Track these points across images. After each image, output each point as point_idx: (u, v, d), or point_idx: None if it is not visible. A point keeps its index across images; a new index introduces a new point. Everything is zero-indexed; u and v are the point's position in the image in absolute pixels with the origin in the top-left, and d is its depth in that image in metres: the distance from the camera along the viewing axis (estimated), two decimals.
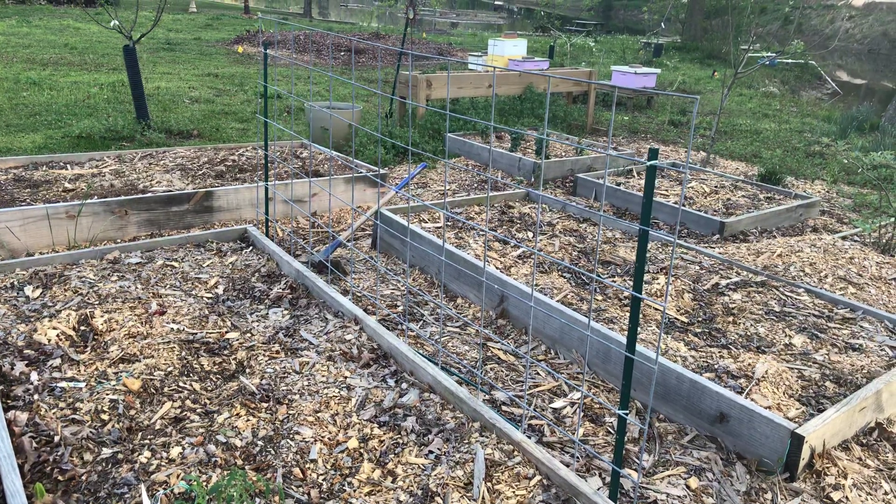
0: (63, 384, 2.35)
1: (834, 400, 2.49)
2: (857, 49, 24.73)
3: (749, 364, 2.67)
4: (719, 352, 2.82)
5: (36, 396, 2.29)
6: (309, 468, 2.05)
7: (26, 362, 2.47)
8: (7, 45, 11.36)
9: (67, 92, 8.10)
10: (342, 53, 13.15)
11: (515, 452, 2.13)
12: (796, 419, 2.36)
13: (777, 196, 5.33)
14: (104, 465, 2.02)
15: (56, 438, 2.08)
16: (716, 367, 2.68)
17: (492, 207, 4.48)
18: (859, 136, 8.59)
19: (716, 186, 5.42)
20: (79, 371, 2.45)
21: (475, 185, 5.53)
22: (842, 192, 6.10)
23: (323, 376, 2.53)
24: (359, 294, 3.38)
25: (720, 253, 4.02)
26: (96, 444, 2.09)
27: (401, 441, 2.19)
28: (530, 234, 4.06)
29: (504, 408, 2.52)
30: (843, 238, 4.55)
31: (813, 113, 10.74)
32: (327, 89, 5.64)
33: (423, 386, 2.48)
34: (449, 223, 4.10)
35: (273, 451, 2.11)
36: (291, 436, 2.18)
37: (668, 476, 2.21)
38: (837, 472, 2.21)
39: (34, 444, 2.05)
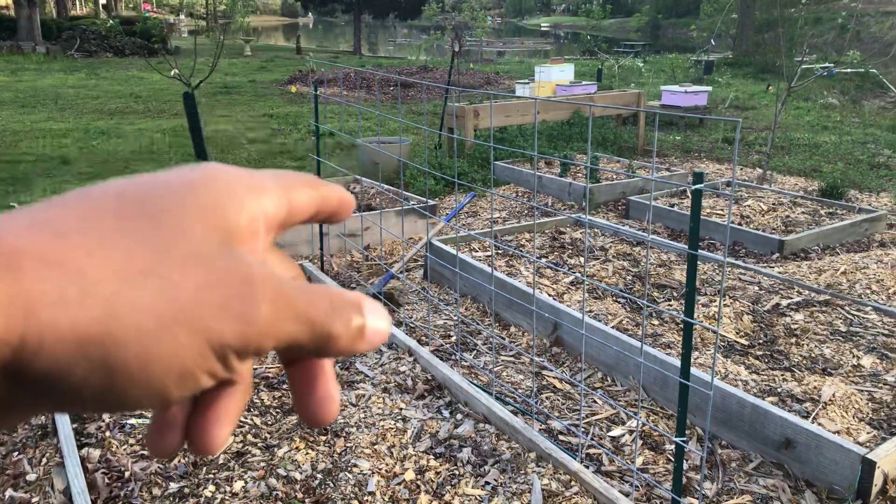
0: (132, 421, 2.45)
1: None
2: None
3: (815, 387, 2.58)
4: (782, 374, 2.73)
5: (107, 433, 2.39)
6: (367, 500, 2.07)
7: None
8: (77, 98, 12.02)
9: (133, 139, 8.51)
10: (391, 88, 13.43)
11: (573, 482, 2.11)
12: (867, 444, 2.27)
13: (839, 211, 5.15)
14: (171, 499, 2.09)
15: (126, 474, 2.17)
16: (779, 390, 2.60)
17: (542, 234, 4.48)
18: None
19: (774, 204, 5.29)
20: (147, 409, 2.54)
21: (525, 212, 5.54)
22: None
23: (379, 408, 2.56)
24: (412, 325, 3.42)
25: (780, 272, 3.91)
26: (164, 479, 2.17)
27: (457, 472, 2.20)
28: (582, 260, 4.04)
29: (560, 437, 2.50)
30: None
31: (876, 123, 10.39)
32: (377, 124, 5.78)
33: (477, 416, 2.49)
34: (500, 251, 4.12)
35: (332, 484, 2.15)
36: (349, 468, 2.21)
37: None
38: None
39: (106, 480, 2.14)
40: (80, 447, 2.30)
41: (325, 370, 0.32)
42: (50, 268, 0.23)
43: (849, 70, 14.13)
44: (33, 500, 2.10)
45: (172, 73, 6.73)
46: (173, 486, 2.13)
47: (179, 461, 2.24)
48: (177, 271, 0.25)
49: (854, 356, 2.86)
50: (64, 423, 2.36)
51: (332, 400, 0.32)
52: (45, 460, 2.28)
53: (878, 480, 2.07)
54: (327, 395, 0.32)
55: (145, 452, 2.28)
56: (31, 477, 2.20)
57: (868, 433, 2.33)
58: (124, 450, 2.29)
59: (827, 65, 12.79)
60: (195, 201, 0.27)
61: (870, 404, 2.51)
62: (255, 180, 0.30)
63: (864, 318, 3.21)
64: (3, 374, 0.23)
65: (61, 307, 0.23)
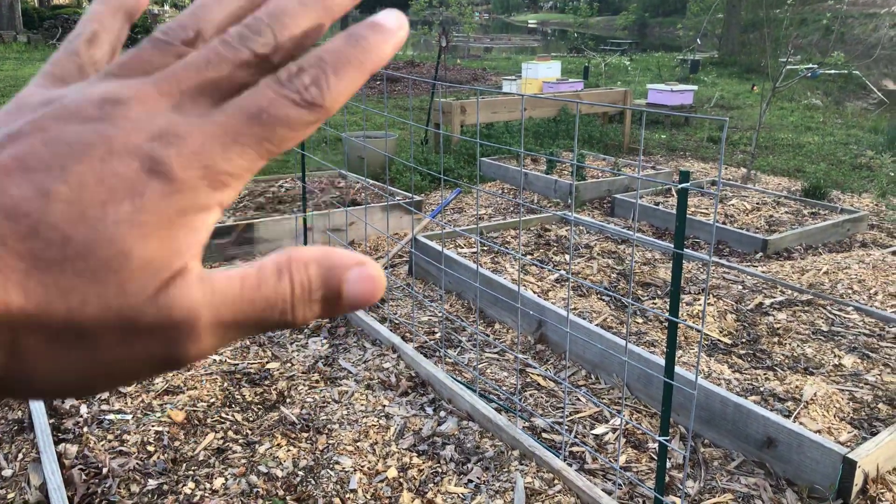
0: (111, 416, 2.42)
1: (888, 422, 2.40)
2: None
3: (797, 386, 2.59)
4: (765, 374, 2.75)
5: (85, 429, 2.35)
6: (349, 498, 2.05)
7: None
8: None
9: None
10: (377, 83, 13.37)
11: (556, 480, 2.10)
12: (848, 443, 2.28)
13: (822, 211, 5.20)
14: (150, 496, 2.06)
15: (104, 470, 2.14)
16: (761, 389, 2.61)
17: (528, 231, 4.47)
18: None
19: (757, 203, 5.32)
20: (126, 403, 2.51)
21: (511, 208, 5.53)
22: (891, 206, 5.92)
23: (362, 405, 2.54)
24: (396, 321, 3.40)
25: (763, 271, 3.93)
26: (142, 476, 2.14)
27: (440, 470, 2.19)
28: (568, 257, 4.04)
29: (544, 435, 2.50)
30: (894, 253, 4.40)
31: (858, 124, 10.49)
32: (363, 118, 5.74)
33: (461, 414, 2.48)
34: (485, 248, 4.11)
35: (314, 482, 2.13)
36: (331, 466, 2.20)
37: (715, 503, 2.15)
38: (893, 497, 2.13)
39: (83, 477, 2.11)
40: (56, 443, 2.26)
41: None
42: None
43: (832, 71, 14.26)
44: (9, 496, 2.06)
45: None
46: (152, 483, 2.10)
47: (159, 457, 2.21)
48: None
49: (835, 356, 2.88)
50: (41, 418, 2.32)
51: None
52: (21, 456, 2.24)
53: (858, 480, 2.09)
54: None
55: (123, 449, 2.24)
56: (7, 473, 2.16)
57: (849, 433, 2.35)
58: (102, 446, 2.25)
59: (811, 66, 12.90)
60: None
61: (851, 404, 2.52)
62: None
63: (845, 317, 3.23)
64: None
65: None
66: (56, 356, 0.22)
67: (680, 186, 1.60)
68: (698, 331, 3.09)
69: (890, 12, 25.35)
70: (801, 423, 2.36)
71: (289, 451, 2.26)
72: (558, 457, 2.21)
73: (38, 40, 19.59)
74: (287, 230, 4.43)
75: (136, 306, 0.23)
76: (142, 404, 2.50)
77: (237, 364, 2.81)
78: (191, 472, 2.16)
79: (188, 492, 2.07)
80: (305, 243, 3.99)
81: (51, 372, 0.23)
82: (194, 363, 0.23)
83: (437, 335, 3.27)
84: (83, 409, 2.46)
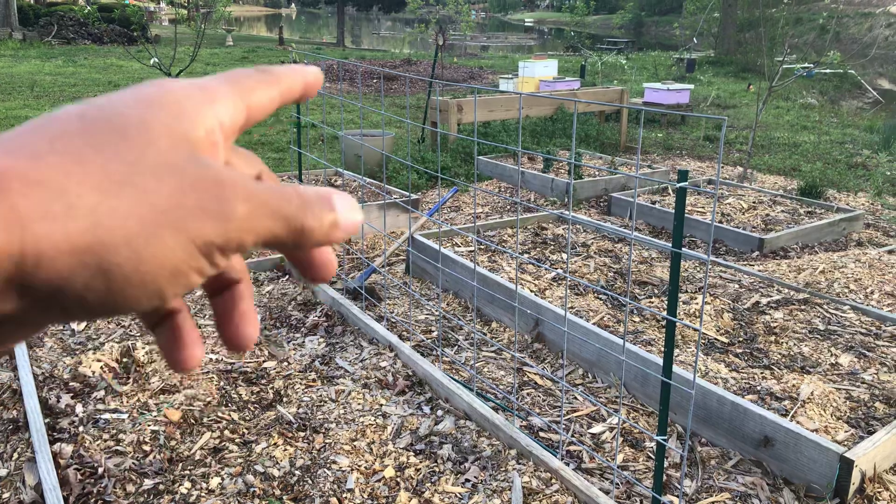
0: (107, 416, 2.41)
1: (884, 421, 2.41)
2: None
3: (793, 385, 2.60)
4: (762, 373, 2.75)
5: (81, 428, 2.34)
6: (346, 498, 2.05)
7: (71, 395, 2.54)
8: (54, 85, 11.81)
9: None
10: (374, 81, 13.35)
11: (553, 480, 2.10)
12: (845, 442, 2.28)
13: (818, 210, 5.20)
14: (146, 496, 2.05)
15: (100, 470, 2.13)
16: (758, 388, 2.61)
17: (525, 229, 4.47)
18: None
19: (754, 202, 5.33)
20: (122, 402, 2.50)
21: (508, 207, 5.53)
22: (887, 204, 5.93)
23: (359, 404, 2.54)
24: (393, 320, 3.40)
25: (760, 270, 3.94)
26: (138, 476, 2.13)
27: (437, 469, 2.18)
28: (565, 256, 4.03)
29: (541, 434, 2.50)
30: (890, 252, 4.41)
31: (854, 123, 10.51)
32: (360, 117, 5.73)
33: (458, 413, 2.47)
34: (482, 247, 4.11)
35: (310, 481, 2.12)
36: (328, 465, 2.19)
37: (713, 502, 2.15)
38: (890, 496, 2.13)
39: (79, 476, 2.10)
40: (52, 442, 2.25)
41: (244, 297, 0.34)
42: (33, 187, 0.24)
43: (828, 70, 14.28)
44: (4, 495, 2.05)
45: (152, 61, 6.62)
46: (148, 483, 2.09)
47: (155, 457, 2.20)
48: (151, 180, 0.26)
49: (832, 354, 2.88)
50: (36, 417, 2.31)
51: (249, 323, 0.33)
52: (16, 455, 2.23)
53: (855, 479, 2.09)
54: (245, 319, 0.33)
55: (119, 448, 2.24)
56: (2, 472, 2.15)
57: (846, 432, 2.35)
58: (98, 445, 2.24)
59: (807, 65, 12.92)
60: (155, 117, 0.28)
61: (847, 403, 2.53)
62: (207, 92, 0.31)
63: (842, 316, 3.24)
64: (11, 287, 0.24)
65: (52, 220, 0.24)
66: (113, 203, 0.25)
67: (678, 185, 1.59)
68: (696, 330, 3.09)
69: (885, 12, 25.42)
70: (798, 423, 2.36)
71: (285, 450, 2.26)
72: (556, 456, 2.21)
73: (34, 37, 19.50)
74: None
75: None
76: (137, 403, 2.49)
77: (234, 363, 2.80)
78: (187, 472, 2.15)
79: (184, 491, 2.06)
80: None
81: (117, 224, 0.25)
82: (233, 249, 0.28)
83: (435, 334, 3.27)
84: (78, 408, 2.44)
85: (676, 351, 2.89)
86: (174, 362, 0.32)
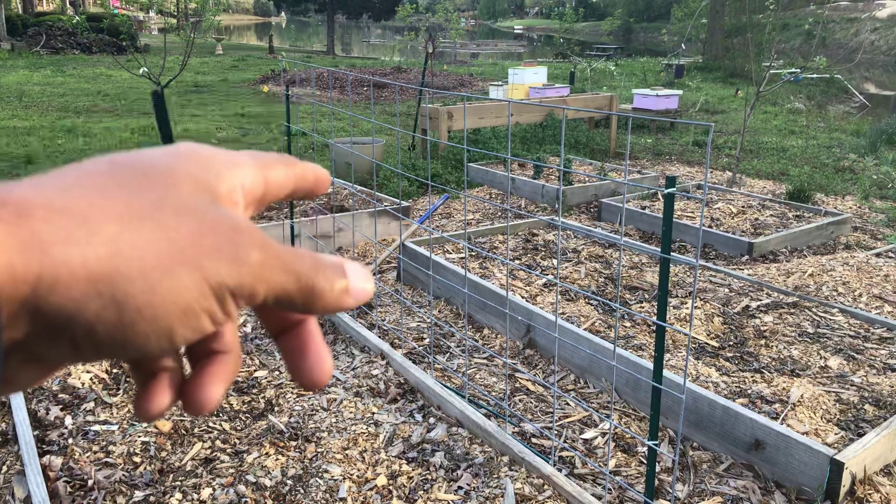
0: (96, 427, 2.39)
1: (874, 423, 2.42)
2: (884, 61, 24.43)
3: (784, 388, 2.61)
4: (752, 376, 2.76)
5: (70, 440, 2.32)
6: None
7: (61, 406, 2.52)
8: (42, 95, 11.76)
9: (100, 138, 8.35)
10: (364, 89, 13.37)
11: (546, 486, 2.10)
12: (835, 445, 2.29)
13: (806, 214, 5.24)
14: None
15: (90, 482, 2.11)
16: (749, 392, 2.62)
17: (516, 235, 4.48)
18: (890, 148, 8.45)
19: (743, 206, 5.36)
20: (111, 414, 2.48)
21: (499, 213, 5.54)
22: (874, 207, 5.98)
23: (350, 413, 2.53)
24: (385, 328, 3.39)
25: (749, 274, 3.96)
26: (129, 487, 2.11)
27: (430, 477, 2.18)
28: (555, 262, 4.04)
29: (533, 440, 2.50)
30: (878, 255, 4.45)
31: (841, 127, 10.60)
32: (350, 125, 5.74)
33: (450, 420, 2.47)
34: (473, 253, 4.11)
35: (302, 490, 2.11)
36: (320, 474, 2.18)
37: None
38: (881, 498, 2.14)
39: (68, 489, 2.08)
40: (41, 454, 2.23)
41: (313, 334, 0.34)
42: (57, 214, 0.25)
43: (815, 75, 14.40)
44: None
45: (141, 71, 6.61)
46: (138, 495, 2.08)
47: (145, 468, 2.19)
48: (172, 218, 0.27)
49: (821, 357, 2.90)
50: (25, 430, 2.29)
51: (324, 360, 0.33)
52: (4, 468, 2.21)
53: (846, 481, 2.10)
54: (319, 356, 0.33)
55: (109, 460, 2.22)
56: None
57: (836, 434, 2.36)
58: (87, 457, 2.23)
59: (794, 70, 13.02)
60: (181, 166, 0.29)
61: (837, 405, 2.54)
62: (231, 156, 0.32)
63: (830, 319, 3.26)
64: (23, 310, 0.24)
65: (72, 245, 0.24)
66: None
67: (666, 191, 1.61)
68: (686, 334, 3.11)
69: (871, 17, 25.68)
70: (788, 426, 2.37)
71: (277, 459, 2.25)
72: (548, 462, 2.21)
73: (22, 47, 19.43)
74: (274, 237, 4.41)
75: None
76: (128, 414, 2.47)
77: None
78: (178, 483, 2.14)
79: (175, 503, 2.05)
80: None
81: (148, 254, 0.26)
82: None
83: (426, 341, 3.26)
84: (68, 419, 2.43)
85: (667, 355, 2.90)
86: (187, 402, 0.32)
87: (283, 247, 0.30)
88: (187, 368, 0.33)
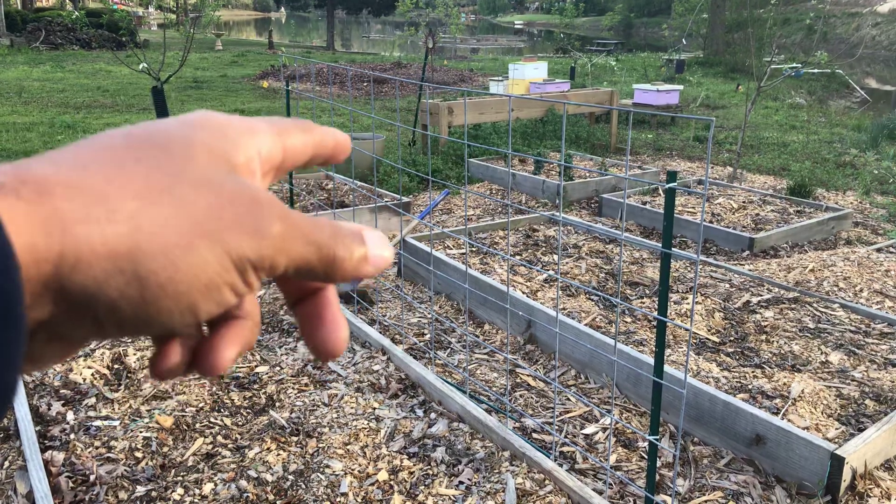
0: (98, 423, 2.39)
1: (875, 418, 2.42)
2: (885, 56, 24.38)
3: (784, 383, 2.61)
4: (753, 371, 2.76)
5: (72, 436, 2.33)
6: (340, 502, 2.05)
7: (62, 402, 2.52)
8: (42, 91, 11.75)
9: None
10: (364, 84, 13.35)
11: (547, 481, 2.10)
12: (836, 440, 2.30)
13: (807, 209, 5.24)
14: (138, 503, 2.04)
15: (92, 477, 2.11)
16: (750, 387, 2.62)
17: (516, 231, 4.48)
18: (891, 143, 8.44)
19: (744, 202, 5.36)
20: (113, 409, 2.49)
21: (499, 209, 5.54)
22: (875, 203, 5.98)
23: (352, 408, 2.54)
24: (386, 323, 3.39)
25: (750, 270, 3.96)
26: (131, 483, 2.12)
27: (431, 472, 2.18)
28: (556, 257, 4.04)
29: (534, 435, 2.50)
30: (878, 250, 4.45)
31: (842, 122, 10.59)
32: (350, 120, 5.71)
33: (451, 415, 2.48)
34: (474, 249, 4.11)
35: (304, 486, 2.11)
36: (322, 469, 2.19)
37: (706, 501, 2.16)
38: (881, 493, 2.15)
39: (70, 484, 2.09)
40: (43, 450, 2.24)
41: (331, 303, 0.34)
42: (75, 192, 0.25)
43: (816, 70, 14.38)
44: None
45: (141, 66, 6.60)
46: (140, 490, 2.08)
47: (147, 464, 2.19)
48: (191, 192, 0.27)
49: (822, 353, 2.90)
50: (27, 425, 2.30)
51: (340, 328, 0.33)
52: (7, 463, 2.22)
53: (846, 476, 2.10)
54: (335, 324, 0.33)
55: (111, 455, 2.22)
56: None
57: (836, 429, 2.36)
58: (89, 453, 2.23)
59: (795, 65, 13.00)
60: (198, 137, 0.29)
61: (838, 400, 2.54)
62: (248, 123, 0.32)
63: (831, 314, 3.26)
64: (48, 291, 0.24)
65: (92, 223, 0.24)
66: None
67: (667, 186, 1.60)
68: (687, 329, 3.11)
69: (872, 11, 25.62)
70: (789, 421, 2.38)
71: (279, 455, 2.25)
72: (549, 457, 2.21)
73: (22, 43, 19.40)
74: None
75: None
76: (129, 410, 2.48)
77: None
78: (180, 478, 2.14)
79: (177, 498, 2.05)
80: None
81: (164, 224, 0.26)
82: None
83: (427, 337, 3.27)
84: (69, 415, 2.43)
85: (668, 351, 2.91)
86: (200, 363, 0.32)
87: (303, 216, 0.30)
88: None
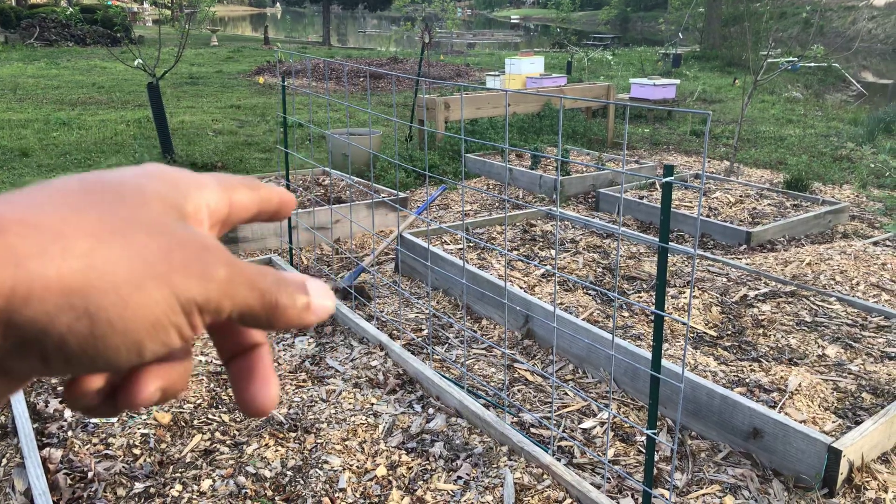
0: (96, 420, 2.39)
1: (871, 411, 2.43)
2: (882, 49, 24.40)
3: (781, 377, 2.62)
4: (750, 365, 2.77)
5: (70, 433, 2.32)
6: (338, 497, 2.05)
7: (60, 399, 2.52)
8: (37, 87, 11.70)
9: (95, 130, 8.31)
10: (361, 79, 13.32)
11: (545, 476, 2.11)
12: (833, 433, 2.30)
13: (804, 203, 5.25)
14: (137, 499, 2.04)
15: (90, 474, 2.11)
16: (747, 381, 2.63)
17: (514, 226, 4.48)
18: (887, 137, 8.44)
19: (741, 196, 5.36)
20: None
21: (496, 204, 5.54)
22: (871, 196, 5.99)
23: (350, 404, 2.54)
24: (383, 319, 3.39)
25: (747, 263, 3.96)
26: (129, 479, 2.12)
27: (429, 467, 2.18)
28: (553, 252, 4.04)
29: (532, 430, 2.50)
30: (875, 243, 4.45)
31: (838, 116, 10.60)
32: (347, 115, 5.72)
33: (449, 410, 2.48)
34: (471, 244, 4.11)
35: (302, 481, 2.12)
36: (320, 465, 2.19)
37: (703, 495, 2.16)
38: (878, 485, 2.15)
39: (68, 481, 2.08)
40: (41, 447, 2.24)
41: (263, 359, 0.35)
42: (31, 229, 0.25)
43: (812, 64, 14.38)
44: None
45: (136, 62, 6.57)
46: (139, 486, 2.08)
47: (145, 460, 2.19)
48: (143, 235, 0.28)
49: (819, 346, 2.90)
50: (24, 422, 2.29)
51: (270, 386, 0.34)
52: (4, 461, 2.22)
53: (843, 469, 2.11)
54: (266, 381, 0.34)
55: (109, 452, 2.22)
56: None
57: (833, 422, 2.37)
58: (87, 450, 2.23)
59: (791, 59, 12.99)
60: (150, 185, 0.30)
61: (835, 394, 2.55)
62: (197, 178, 0.33)
63: (828, 308, 3.27)
64: None
65: (47, 259, 0.25)
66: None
67: (664, 181, 1.60)
68: (684, 324, 3.11)
69: (868, 5, 25.61)
70: (786, 414, 2.38)
71: (277, 451, 2.25)
72: (547, 452, 2.21)
73: (16, 40, 19.31)
74: (272, 229, 4.40)
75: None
76: None
77: (221, 366, 2.79)
78: (178, 475, 2.14)
79: (175, 494, 2.05)
80: (290, 242, 3.97)
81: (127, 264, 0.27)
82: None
83: (425, 332, 3.27)
84: (67, 412, 2.43)
85: (665, 345, 2.91)
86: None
87: (248, 264, 0.31)
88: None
